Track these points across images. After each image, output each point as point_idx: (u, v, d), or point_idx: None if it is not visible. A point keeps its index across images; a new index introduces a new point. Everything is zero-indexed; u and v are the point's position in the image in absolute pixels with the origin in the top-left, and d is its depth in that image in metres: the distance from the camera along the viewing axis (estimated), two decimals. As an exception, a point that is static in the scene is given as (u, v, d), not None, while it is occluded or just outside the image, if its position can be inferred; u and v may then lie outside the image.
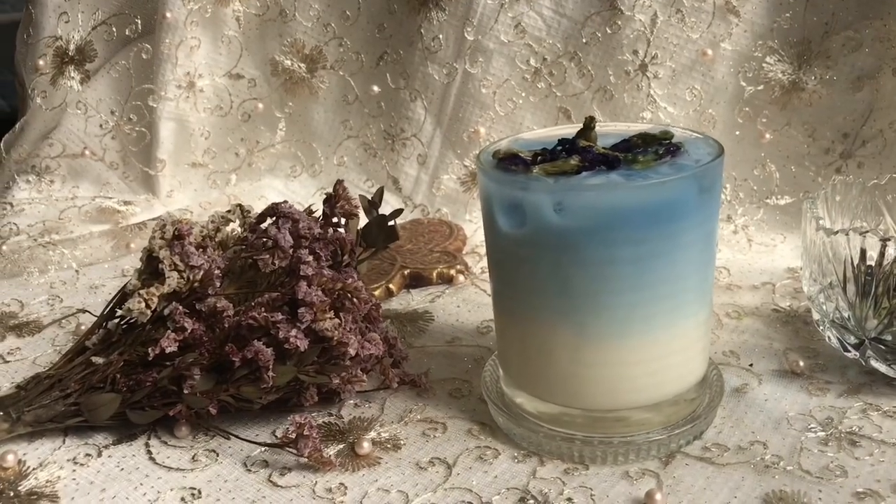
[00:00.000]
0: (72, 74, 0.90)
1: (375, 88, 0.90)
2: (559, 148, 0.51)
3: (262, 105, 0.93)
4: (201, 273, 0.53)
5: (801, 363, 0.58)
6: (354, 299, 0.53)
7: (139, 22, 0.89)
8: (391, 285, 0.74)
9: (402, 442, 0.54)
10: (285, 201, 0.56)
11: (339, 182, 0.57)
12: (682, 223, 0.47)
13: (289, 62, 0.91)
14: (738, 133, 0.81)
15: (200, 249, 0.54)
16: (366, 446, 0.53)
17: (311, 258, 0.52)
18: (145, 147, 0.93)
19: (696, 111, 0.81)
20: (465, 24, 0.84)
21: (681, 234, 0.48)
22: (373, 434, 0.55)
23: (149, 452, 0.54)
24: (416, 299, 0.74)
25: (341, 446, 0.54)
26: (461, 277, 0.76)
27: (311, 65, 0.91)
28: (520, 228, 0.49)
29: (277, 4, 0.90)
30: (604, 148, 0.51)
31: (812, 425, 0.53)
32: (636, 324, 0.49)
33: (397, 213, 0.57)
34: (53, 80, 0.91)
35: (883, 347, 0.55)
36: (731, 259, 0.77)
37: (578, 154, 0.49)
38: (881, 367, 0.56)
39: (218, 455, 0.53)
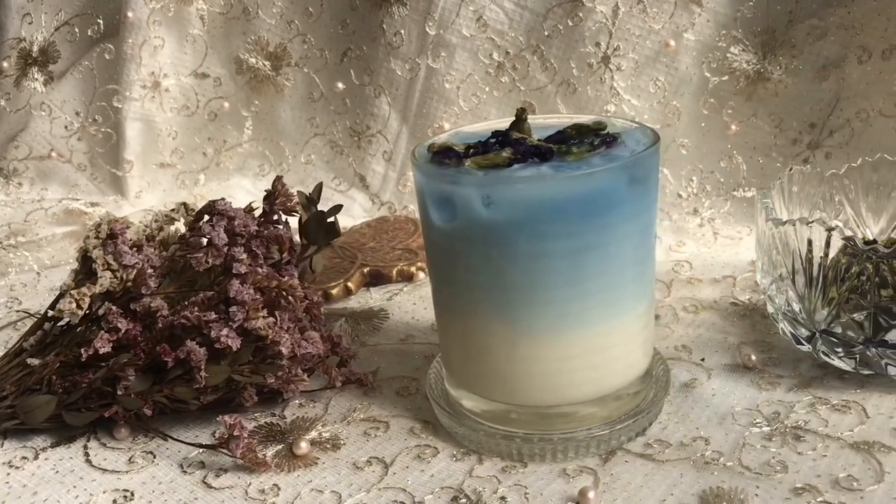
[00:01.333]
0: (35, 76, 0.90)
1: (340, 85, 0.89)
2: (493, 140, 0.50)
3: (228, 104, 0.92)
4: (134, 272, 0.52)
5: (754, 357, 0.57)
6: (290, 297, 0.52)
7: (101, 22, 0.88)
8: (350, 283, 0.74)
9: (342, 442, 0.53)
10: (223, 198, 0.55)
11: (279, 178, 0.56)
12: (613, 215, 0.46)
13: (253, 60, 0.90)
14: (703, 125, 0.80)
15: (135, 248, 0.53)
16: (303, 446, 0.52)
17: (244, 256, 0.52)
18: (112, 148, 0.93)
19: (661, 103, 0.80)
20: (427, 18, 0.83)
21: (614, 227, 0.47)
22: (314, 434, 0.54)
23: (86, 454, 0.53)
24: (374, 297, 0.73)
25: (280, 447, 0.53)
26: (421, 274, 0.75)
27: (275, 62, 0.90)
28: (451, 222, 0.48)
29: (241, 2, 0.89)
30: (538, 140, 0.50)
31: (757, 420, 0.51)
32: (572, 318, 0.48)
33: (336, 209, 0.57)
34: (17, 81, 0.90)
35: (833, 340, 0.54)
36: (696, 253, 0.76)
37: (511, 146, 0.49)
38: (833, 360, 0.55)
39: (155, 456, 0.53)
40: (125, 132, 0.91)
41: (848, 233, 0.52)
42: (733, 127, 0.79)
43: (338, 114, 0.90)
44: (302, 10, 0.88)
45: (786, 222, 0.54)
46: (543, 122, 0.54)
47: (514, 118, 0.50)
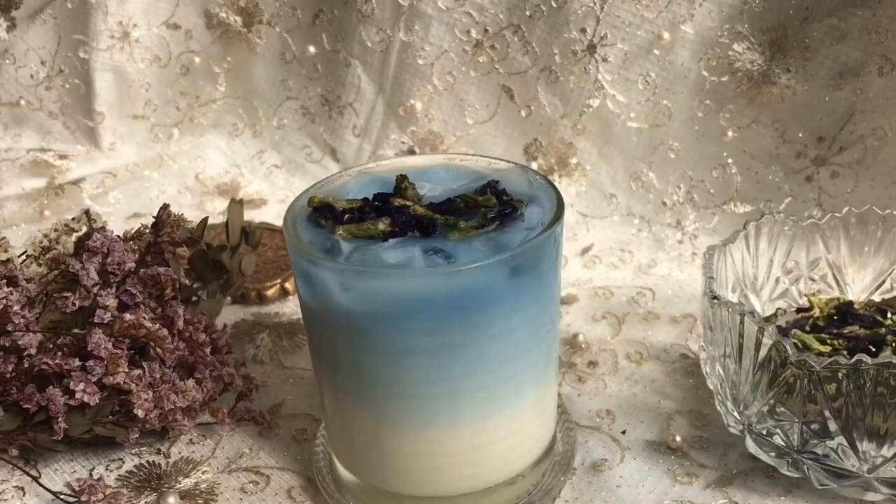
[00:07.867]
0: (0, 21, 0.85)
1: (311, 49, 0.82)
2: (377, 203, 0.44)
3: (199, 59, 0.87)
4: (1, 307, 0.49)
5: (679, 438, 0.51)
6: (158, 349, 0.48)
7: (63, -32, 0.83)
8: (287, 284, 0.69)
9: (215, 497, 0.50)
10: (103, 227, 0.50)
11: (165, 207, 0.51)
12: (487, 313, 0.40)
13: (224, 14, 0.84)
14: (697, 128, 0.71)
15: (6, 280, 0.50)
16: (171, 501, 0.49)
17: (111, 301, 0.48)
18: (82, 98, 0.89)
19: (650, 101, 0.71)
20: (400, -14, 0.75)
21: (487, 325, 0.41)
22: (191, 481, 0.51)
23: (-42, 485, 0.52)
24: (311, 301, 0.69)
25: (151, 497, 0.50)
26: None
27: (246, 18, 0.84)
28: (314, 300, 0.43)
29: (211, -49, 0.82)
30: (424, 208, 0.43)
31: (653, 528, 0.46)
32: (440, 415, 0.43)
33: (221, 248, 0.52)
34: (-18, 26, 0.86)
35: (763, 439, 0.48)
36: (666, 276, 0.69)
37: (391, 216, 0.43)
38: (762, 456, 0.49)
39: (25, 493, 0.51)
40: (94, 83, 0.87)
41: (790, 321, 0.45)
42: (730, 133, 0.71)
43: (310, 79, 0.84)
44: (273, -36, 0.81)
45: (721, 303, 0.47)
46: (458, 165, 0.48)
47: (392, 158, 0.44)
